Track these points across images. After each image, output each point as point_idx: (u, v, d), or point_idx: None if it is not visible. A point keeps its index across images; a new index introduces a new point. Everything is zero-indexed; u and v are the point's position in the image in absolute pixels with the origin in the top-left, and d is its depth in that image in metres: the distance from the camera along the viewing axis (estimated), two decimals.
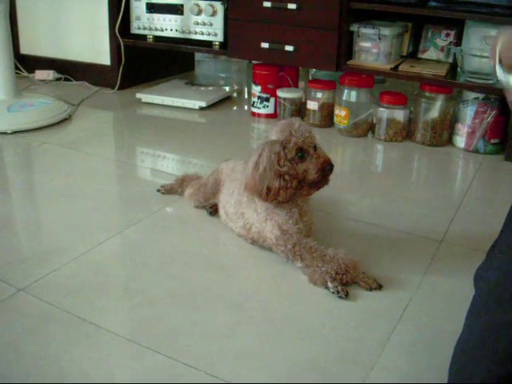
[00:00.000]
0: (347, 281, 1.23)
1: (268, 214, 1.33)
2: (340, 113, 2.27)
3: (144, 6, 2.68)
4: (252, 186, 1.29)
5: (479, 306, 0.85)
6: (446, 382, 0.87)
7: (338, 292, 1.19)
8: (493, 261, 0.86)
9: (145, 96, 2.64)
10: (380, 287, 1.23)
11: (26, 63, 3.01)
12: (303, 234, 1.32)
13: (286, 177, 1.27)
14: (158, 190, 1.70)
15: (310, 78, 2.92)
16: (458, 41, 2.31)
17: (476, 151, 2.11)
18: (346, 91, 2.26)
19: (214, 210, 1.57)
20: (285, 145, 1.28)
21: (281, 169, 1.26)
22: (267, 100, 2.47)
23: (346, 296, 1.19)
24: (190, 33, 2.62)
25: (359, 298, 1.21)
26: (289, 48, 2.33)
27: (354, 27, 2.27)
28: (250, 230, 1.39)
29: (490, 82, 2.08)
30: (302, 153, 1.27)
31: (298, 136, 1.27)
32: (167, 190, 1.70)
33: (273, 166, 1.26)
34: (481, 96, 2.08)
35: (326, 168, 1.28)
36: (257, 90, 2.47)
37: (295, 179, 1.28)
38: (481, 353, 0.79)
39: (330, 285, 1.21)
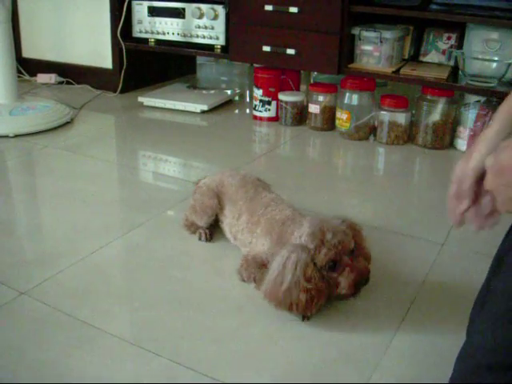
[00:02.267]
0: None
1: (272, 247, 1.24)
2: (341, 116, 2.28)
3: (146, 10, 2.68)
4: (275, 301, 1.13)
5: (493, 317, 0.83)
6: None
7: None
8: (503, 271, 0.85)
9: (147, 99, 2.64)
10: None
11: (28, 67, 3.02)
12: None
13: (313, 291, 1.10)
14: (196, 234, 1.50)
15: (312, 81, 2.92)
16: (460, 44, 2.31)
17: None
18: (347, 94, 2.26)
19: (212, 234, 1.47)
20: (313, 255, 1.11)
21: (307, 285, 1.09)
22: (269, 103, 2.47)
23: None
24: (191, 36, 2.62)
25: (360, 300, 1.21)
26: (290, 51, 2.34)
27: (355, 30, 2.27)
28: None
29: (492, 85, 2.08)
30: (333, 263, 1.11)
31: (330, 246, 1.10)
32: (189, 228, 1.51)
33: (298, 282, 1.09)
34: (482, 99, 2.08)
35: (361, 282, 1.12)
36: (258, 93, 2.47)
37: (325, 292, 1.12)
38: (491, 363, 0.78)
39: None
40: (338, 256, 1.11)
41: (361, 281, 1.12)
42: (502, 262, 0.88)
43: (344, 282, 1.11)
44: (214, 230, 1.48)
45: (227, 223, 1.41)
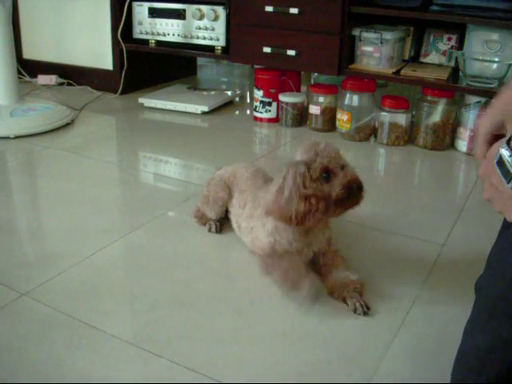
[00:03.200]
0: None
1: (273, 230, 1.28)
2: (342, 117, 2.28)
3: (146, 11, 2.69)
4: (277, 212, 1.21)
5: (483, 315, 0.84)
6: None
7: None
8: (494, 270, 0.86)
9: (147, 101, 2.64)
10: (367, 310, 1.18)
11: (28, 68, 3.02)
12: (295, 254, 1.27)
13: (312, 200, 1.18)
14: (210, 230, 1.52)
15: (312, 82, 2.92)
16: (460, 45, 2.31)
17: None
18: (348, 95, 2.26)
19: (216, 229, 1.49)
20: (309, 165, 1.20)
21: (306, 191, 1.18)
22: (269, 104, 2.47)
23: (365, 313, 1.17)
24: (192, 37, 2.62)
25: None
26: (291, 52, 2.34)
27: (355, 31, 2.28)
28: (255, 247, 1.34)
29: (492, 85, 2.08)
30: (327, 173, 1.19)
31: (324, 156, 1.20)
32: (200, 218, 1.55)
33: (298, 189, 1.18)
34: (483, 100, 2.08)
35: (353, 186, 1.18)
36: (259, 94, 2.47)
37: (322, 201, 1.19)
38: (486, 365, 0.79)
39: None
40: (331, 165, 1.19)
41: (353, 184, 1.18)
42: (489, 261, 0.89)
43: (337, 184, 1.18)
44: (224, 223, 1.50)
45: (234, 213, 1.44)
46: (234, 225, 1.44)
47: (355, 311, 1.16)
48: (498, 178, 0.72)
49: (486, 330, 0.80)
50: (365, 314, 1.16)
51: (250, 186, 1.42)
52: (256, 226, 1.34)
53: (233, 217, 1.45)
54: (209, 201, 1.48)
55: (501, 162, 0.71)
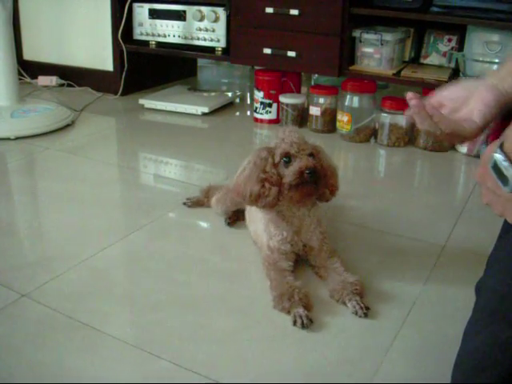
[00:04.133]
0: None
1: (266, 223, 1.33)
2: (342, 118, 2.28)
3: (146, 12, 2.69)
4: (236, 190, 1.30)
5: (482, 317, 0.84)
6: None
7: (294, 322, 1.13)
8: (494, 272, 0.86)
9: (147, 102, 2.64)
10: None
11: (28, 69, 3.02)
12: (288, 254, 1.30)
13: (266, 184, 1.25)
14: (185, 203, 1.65)
15: (313, 83, 2.92)
16: (460, 46, 2.31)
17: (478, 156, 2.11)
18: (348, 97, 2.26)
19: (232, 221, 1.54)
20: (274, 151, 1.27)
21: (263, 175, 1.25)
22: (270, 106, 2.47)
23: (305, 325, 1.12)
24: (192, 39, 2.63)
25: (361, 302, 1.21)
26: (291, 54, 2.34)
27: (356, 33, 2.28)
28: (257, 237, 1.39)
29: None
30: (288, 158, 1.25)
31: (287, 142, 1.26)
32: (194, 203, 1.65)
33: (255, 172, 1.26)
34: None
35: (305, 172, 1.22)
36: (259, 95, 2.47)
37: (275, 186, 1.25)
38: (486, 366, 0.79)
39: (293, 313, 1.15)
40: (293, 150, 1.24)
41: (305, 170, 1.22)
42: (489, 263, 0.89)
43: (291, 168, 1.24)
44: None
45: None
46: (246, 216, 1.48)
47: (356, 313, 1.16)
48: (494, 181, 0.72)
49: (487, 331, 0.80)
50: (365, 315, 1.16)
51: None
52: (258, 218, 1.37)
53: (246, 211, 1.49)
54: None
55: (495, 167, 0.71)
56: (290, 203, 1.29)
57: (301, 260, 1.34)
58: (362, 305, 1.17)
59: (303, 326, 1.11)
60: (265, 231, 1.33)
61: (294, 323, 1.12)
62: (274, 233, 1.31)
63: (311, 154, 1.27)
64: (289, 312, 1.15)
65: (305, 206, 1.31)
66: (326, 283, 1.26)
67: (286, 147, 1.25)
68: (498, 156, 0.71)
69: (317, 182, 1.25)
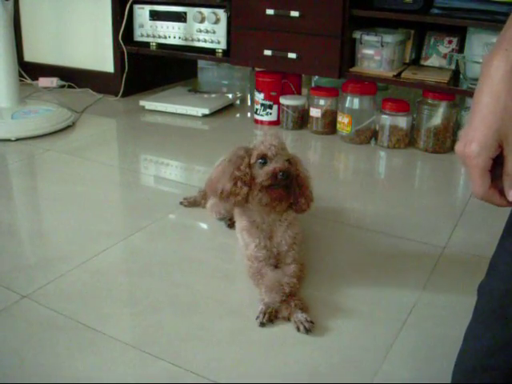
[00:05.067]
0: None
1: (241, 229, 1.33)
2: (343, 120, 2.28)
3: (147, 14, 2.69)
4: (208, 185, 1.33)
5: (484, 318, 0.84)
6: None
7: (298, 329, 1.12)
8: (497, 273, 0.86)
9: (148, 103, 2.65)
10: (311, 325, 1.12)
11: (29, 70, 3.02)
12: (267, 259, 1.27)
13: (238, 182, 1.26)
14: (181, 203, 1.66)
15: (313, 85, 2.92)
16: (461, 48, 2.31)
17: None
18: (348, 98, 2.26)
19: (232, 223, 1.52)
20: (251, 151, 1.28)
21: (236, 173, 1.26)
22: (270, 107, 2.47)
23: (309, 329, 1.11)
24: (193, 40, 2.63)
25: (362, 304, 1.21)
26: (292, 55, 2.34)
27: (356, 34, 2.28)
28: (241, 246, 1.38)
29: None
30: (264, 160, 1.25)
31: (266, 144, 1.27)
32: (190, 203, 1.66)
33: (229, 169, 1.27)
34: None
35: (278, 174, 1.22)
36: (260, 97, 2.47)
37: (246, 185, 1.26)
38: (487, 366, 0.79)
39: (294, 319, 1.14)
40: (269, 153, 1.25)
41: (278, 172, 1.22)
42: (492, 264, 0.89)
43: (262, 171, 1.25)
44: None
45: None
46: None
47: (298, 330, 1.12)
48: None
49: (488, 331, 0.80)
50: (308, 331, 1.11)
51: None
52: (242, 226, 1.35)
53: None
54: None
55: None
56: (259, 206, 1.28)
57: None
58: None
59: (307, 331, 1.11)
60: (242, 240, 1.33)
61: (298, 329, 1.12)
62: (248, 240, 1.30)
63: (288, 161, 1.26)
64: (289, 319, 1.14)
65: (275, 211, 1.29)
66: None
67: (264, 149, 1.26)
68: None
69: (289, 186, 1.25)
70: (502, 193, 0.73)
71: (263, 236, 1.30)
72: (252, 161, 1.27)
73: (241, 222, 1.34)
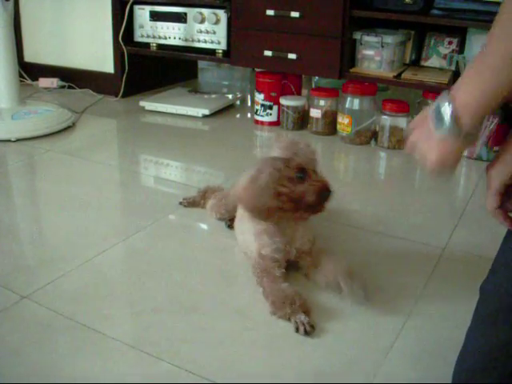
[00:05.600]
0: (282, 316, 1.14)
1: (257, 233, 1.30)
2: (343, 120, 2.28)
3: (147, 14, 2.69)
4: (247, 201, 1.23)
5: (486, 317, 0.84)
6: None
7: (297, 329, 1.11)
8: (500, 273, 0.86)
9: (148, 104, 2.65)
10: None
11: (29, 71, 3.02)
12: (280, 262, 1.27)
13: (284, 197, 1.20)
14: (181, 203, 1.66)
15: (313, 85, 2.93)
16: (461, 48, 2.31)
17: (479, 159, 2.11)
18: (348, 99, 2.26)
19: (232, 224, 1.51)
20: (287, 163, 1.21)
21: (281, 188, 1.20)
22: (270, 108, 2.47)
23: (308, 332, 1.10)
24: (193, 41, 2.63)
25: (362, 305, 1.21)
26: (292, 56, 2.34)
27: (356, 35, 2.28)
28: (246, 247, 1.37)
29: None
30: (302, 174, 1.21)
31: (302, 156, 1.21)
32: (190, 203, 1.65)
33: (272, 184, 1.20)
34: None
35: (324, 193, 1.21)
36: (260, 97, 2.47)
37: (292, 201, 1.21)
38: (488, 366, 0.79)
39: (294, 319, 1.13)
40: (307, 166, 1.21)
41: (324, 191, 1.21)
42: (495, 264, 0.89)
43: (311, 190, 1.20)
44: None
45: (238, 214, 1.44)
46: (236, 224, 1.46)
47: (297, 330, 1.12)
48: (432, 123, 0.78)
49: (488, 331, 0.80)
50: (307, 334, 1.11)
51: None
52: (247, 228, 1.35)
53: (236, 219, 1.47)
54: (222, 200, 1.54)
55: (437, 109, 0.77)
56: (282, 218, 1.26)
57: (289, 266, 1.32)
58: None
59: (306, 333, 1.10)
60: (255, 241, 1.30)
61: (297, 330, 1.11)
62: (269, 242, 1.28)
63: (315, 172, 1.24)
64: (289, 319, 1.14)
65: (297, 221, 1.29)
66: (318, 272, 1.25)
67: (302, 162, 1.21)
68: (444, 101, 0.76)
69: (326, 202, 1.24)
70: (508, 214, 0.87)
71: (285, 240, 1.28)
72: (290, 174, 1.21)
73: (259, 224, 1.29)
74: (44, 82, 2.98)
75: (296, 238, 1.30)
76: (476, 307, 0.88)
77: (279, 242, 1.28)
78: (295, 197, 1.21)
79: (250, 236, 1.33)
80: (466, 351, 0.85)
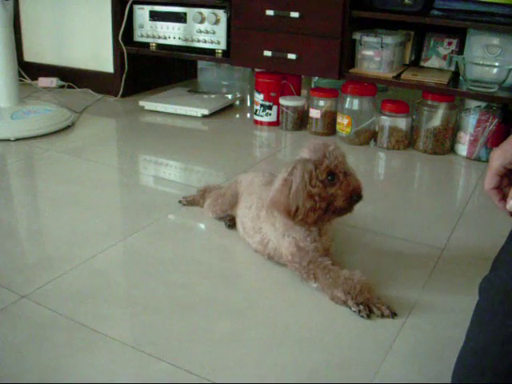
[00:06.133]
0: (361, 302, 1.17)
1: (286, 229, 1.29)
2: (342, 121, 2.28)
3: (147, 14, 2.69)
4: (281, 204, 1.22)
5: (484, 316, 0.84)
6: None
7: (359, 311, 1.15)
8: (500, 271, 0.86)
9: (148, 104, 2.65)
10: (394, 315, 1.16)
11: (29, 70, 3.02)
12: (320, 253, 1.27)
13: (316, 198, 1.20)
14: (180, 202, 1.67)
15: (313, 86, 2.93)
16: (460, 49, 2.32)
17: (478, 159, 2.11)
18: (348, 99, 2.26)
19: (233, 223, 1.52)
20: (317, 165, 1.22)
21: (312, 189, 1.20)
22: (270, 108, 2.47)
23: (369, 316, 1.15)
24: (192, 41, 2.63)
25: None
26: (291, 56, 2.34)
27: (356, 35, 2.28)
28: (266, 245, 1.35)
29: (492, 90, 2.08)
30: (332, 176, 1.21)
31: (332, 159, 1.21)
32: (189, 202, 1.66)
33: (305, 186, 1.20)
34: (483, 104, 2.09)
35: (354, 197, 1.22)
36: (259, 97, 2.47)
37: (324, 201, 1.21)
38: (485, 365, 0.79)
39: (350, 303, 1.17)
40: (336, 169, 1.21)
41: (354, 195, 1.22)
42: (495, 263, 0.89)
43: (341, 193, 1.21)
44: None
45: (240, 214, 1.45)
46: (239, 226, 1.46)
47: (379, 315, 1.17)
48: None
49: (488, 330, 0.80)
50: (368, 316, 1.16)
51: (258, 190, 1.43)
52: (265, 227, 1.35)
53: (238, 218, 1.46)
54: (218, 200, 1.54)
55: None
56: (305, 224, 1.26)
57: None
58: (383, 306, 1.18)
59: (392, 316, 1.15)
60: (285, 236, 1.29)
61: (382, 315, 1.16)
62: (305, 234, 1.27)
63: (345, 173, 1.23)
64: (368, 305, 1.16)
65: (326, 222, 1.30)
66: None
67: (332, 165, 1.21)
68: None
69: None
70: (504, 197, 0.91)
71: (317, 233, 1.29)
72: (321, 176, 1.21)
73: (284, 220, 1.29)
74: (43, 82, 2.98)
75: (321, 234, 1.31)
76: (476, 307, 0.88)
77: (315, 231, 1.28)
78: (327, 198, 1.22)
79: (273, 234, 1.32)
80: (465, 350, 0.85)
